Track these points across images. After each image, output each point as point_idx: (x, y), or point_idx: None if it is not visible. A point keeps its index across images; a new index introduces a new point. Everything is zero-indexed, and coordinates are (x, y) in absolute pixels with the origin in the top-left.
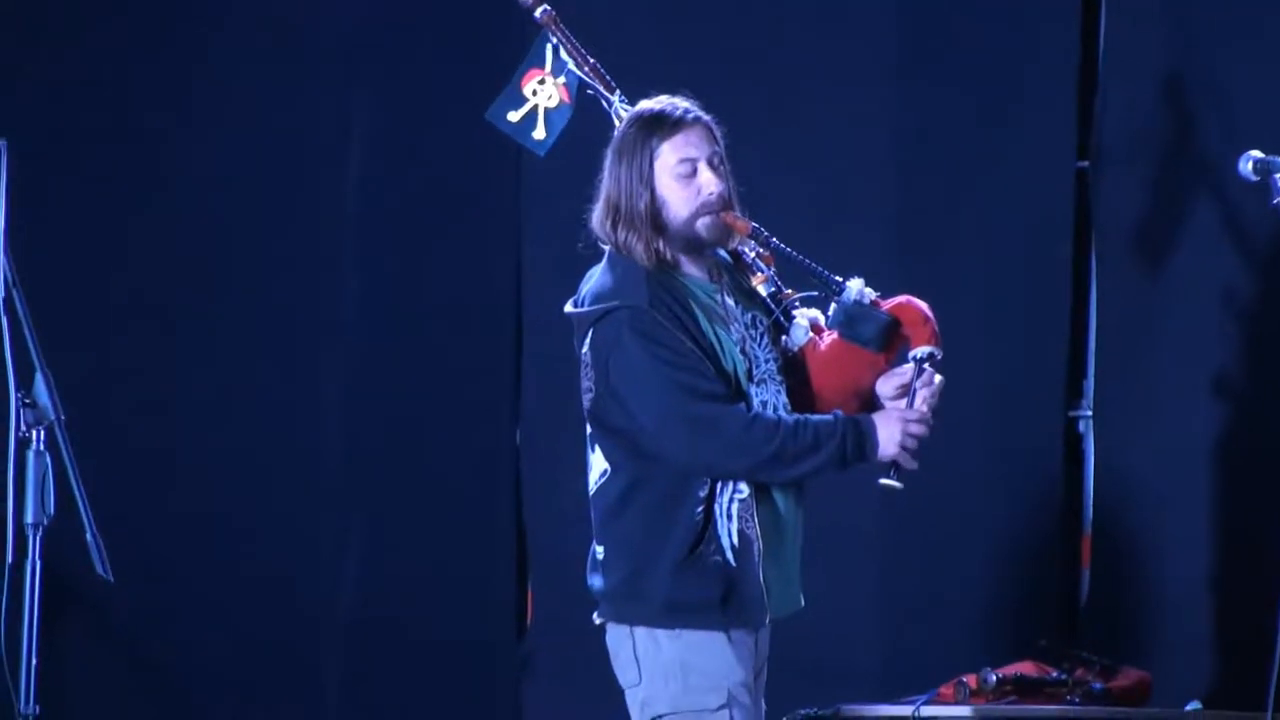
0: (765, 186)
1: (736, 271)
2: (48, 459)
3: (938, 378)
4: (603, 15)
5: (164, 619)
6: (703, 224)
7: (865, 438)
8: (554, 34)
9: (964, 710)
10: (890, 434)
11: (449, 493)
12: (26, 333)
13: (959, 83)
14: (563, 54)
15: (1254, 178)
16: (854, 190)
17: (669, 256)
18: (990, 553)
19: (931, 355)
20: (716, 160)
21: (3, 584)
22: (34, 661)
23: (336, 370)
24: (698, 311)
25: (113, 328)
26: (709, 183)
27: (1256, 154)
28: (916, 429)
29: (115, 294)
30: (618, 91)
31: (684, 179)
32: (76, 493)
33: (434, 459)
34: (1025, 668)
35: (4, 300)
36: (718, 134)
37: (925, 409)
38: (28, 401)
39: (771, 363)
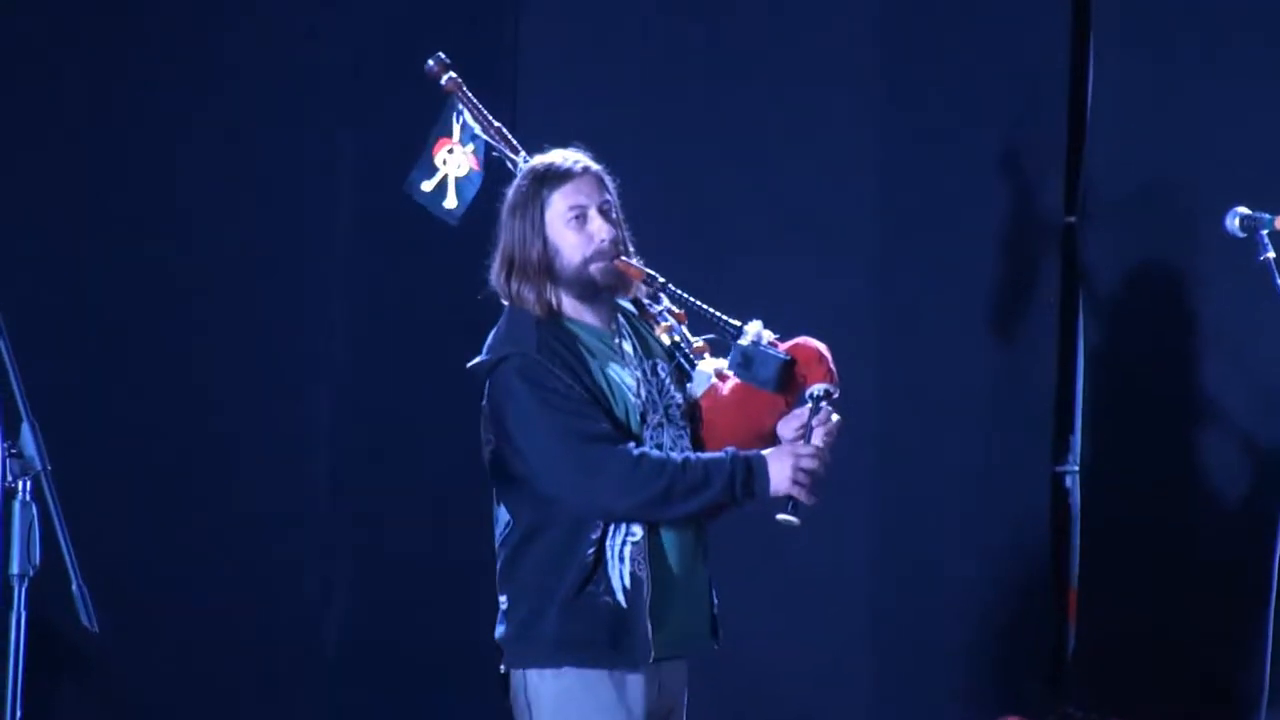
0: (751, 242)
1: (639, 320)
2: (34, 509)
3: (835, 416)
4: (589, 27)
5: (150, 669)
6: (596, 269)
7: (755, 474)
8: (460, 100)
9: None
10: (781, 470)
11: (443, 508)
12: (13, 382)
13: (948, 136)
14: (468, 119)
15: (1240, 234)
16: (836, 240)
17: (561, 304)
18: (977, 607)
19: (827, 393)
20: (607, 207)
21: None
22: (19, 714)
23: (328, 400)
24: (587, 356)
25: (98, 377)
26: (600, 229)
27: (1243, 210)
28: (809, 464)
29: (102, 342)
30: (522, 153)
31: (575, 226)
32: (62, 543)
33: (426, 480)
34: None
35: None
36: (609, 184)
37: (820, 444)
38: (14, 452)
39: (674, 408)
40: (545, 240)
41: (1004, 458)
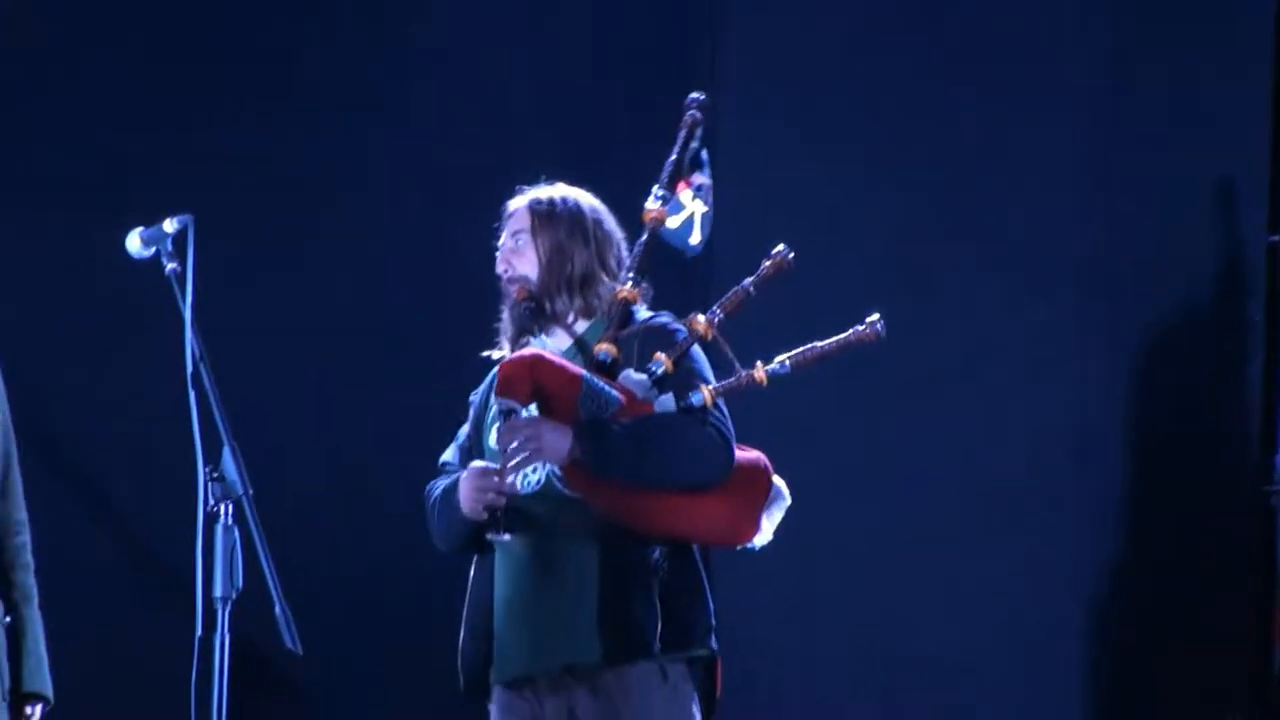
0: (954, 262)
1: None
2: (236, 533)
3: (507, 430)
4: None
5: (348, 687)
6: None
7: (452, 495)
8: (697, 139)
9: None
10: (465, 493)
11: None
12: (214, 407)
13: (1152, 156)
14: (704, 156)
15: None
16: (1039, 262)
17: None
18: (1178, 629)
19: (500, 409)
20: (513, 241)
21: (194, 656)
22: None
23: None
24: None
25: (295, 400)
26: (499, 261)
27: None
28: (482, 483)
29: (297, 366)
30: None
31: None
32: (264, 566)
33: None
34: None
35: (192, 375)
36: (533, 215)
37: (505, 463)
38: (215, 476)
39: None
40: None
41: (1208, 478)
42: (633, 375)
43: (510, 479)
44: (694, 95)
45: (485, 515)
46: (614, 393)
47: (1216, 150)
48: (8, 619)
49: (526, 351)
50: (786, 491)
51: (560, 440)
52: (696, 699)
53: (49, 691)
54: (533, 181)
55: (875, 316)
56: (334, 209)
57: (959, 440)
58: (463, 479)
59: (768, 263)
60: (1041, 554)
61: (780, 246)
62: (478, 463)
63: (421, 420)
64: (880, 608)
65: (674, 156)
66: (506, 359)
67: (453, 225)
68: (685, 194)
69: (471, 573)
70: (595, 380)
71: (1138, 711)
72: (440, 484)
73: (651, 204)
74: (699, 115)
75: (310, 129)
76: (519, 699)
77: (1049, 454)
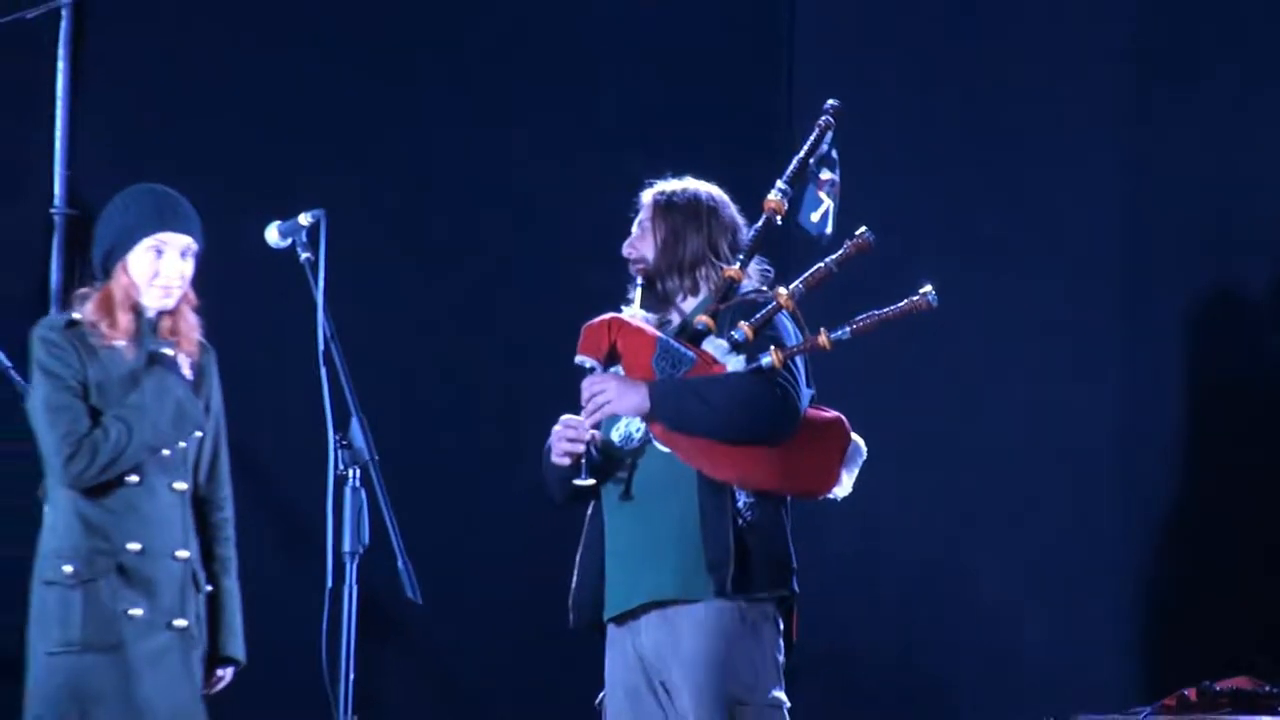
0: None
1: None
2: (363, 495)
3: (585, 384)
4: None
5: (464, 635)
6: None
7: (549, 450)
8: (827, 141)
9: (1186, 717)
10: (553, 442)
11: None
12: (343, 382)
13: (1201, 146)
14: (834, 154)
15: None
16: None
17: None
18: (1206, 580)
19: (580, 366)
20: (638, 227)
21: (324, 605)
22: (351, 676)
23: None
24: None
25: (415, 373)
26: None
27: None
28: (565, 432)
29: (417, 342)
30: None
31: None
32: (389, 524)
33: None
34: (1241, 682)
35: (323, 353)
36: (655, 205)
37: (585, 415)
38: (344, 443)
39: None
40: None
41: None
42: (714, 340)
43: (589, 427)
44: (830, 102)
45: (568, 461)
46: (688, 352)
47: (1266, 145)
48: (209, 588)
49: (607, 315)
50: (864, 448)
51: (633, 394)
52: (778, 639)
53: (242, 656)
54: (649, 177)
55: (927, 288)
56: (451, 201)
57: (1010, 412)
58: (553, 431)
59: (850, 243)
60: (1088, 514)
61: (862, 229)
62: (567, 416)
63: (532, 389)
64: (937, 562)
65: (801, 154)
66: (589, 323)
67: (565, 215)
68: (823, 189)
69: (586, 523)
70: (671, 341)
71: (1169, 654)
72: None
73: (773, 195)
74: (832, 120)
75: (424, 125)
76: (621, 633)
77: (1094, 431)
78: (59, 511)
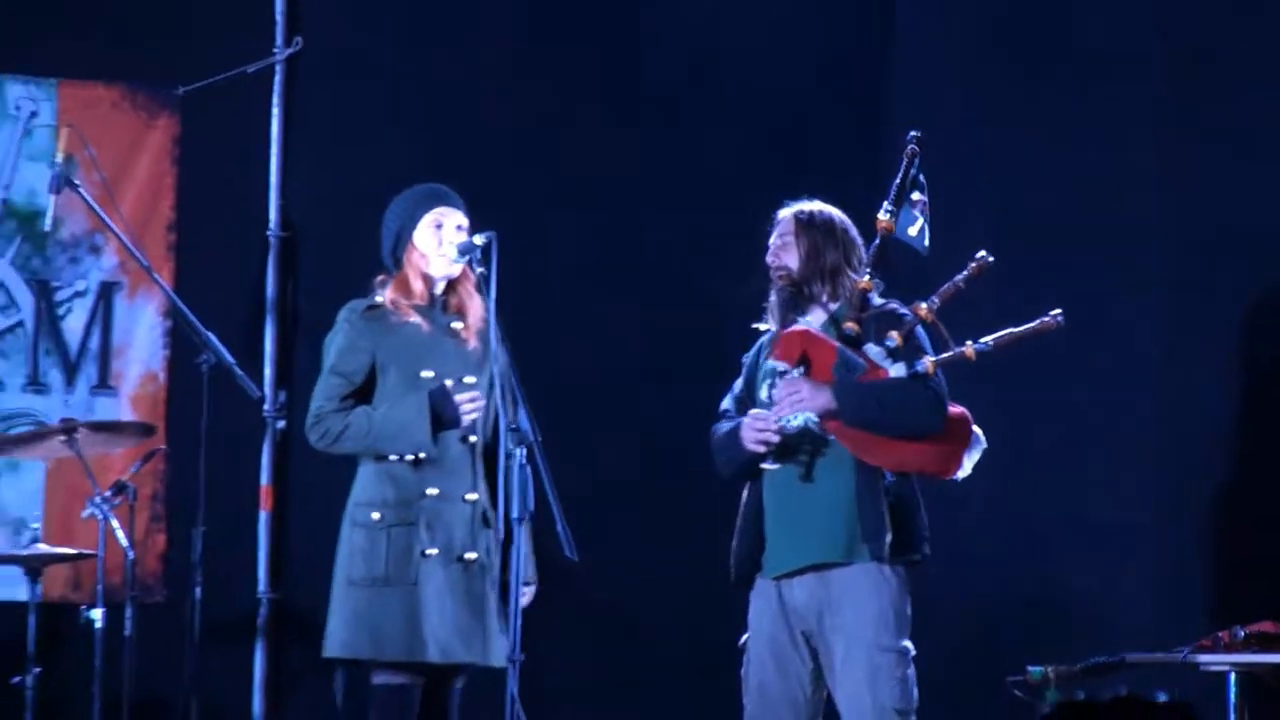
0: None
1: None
2: (528, 470)
3: (783, 385)
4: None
5: (617, 589)
6: None
7: (735, 437)
8: (916, 166)
9: (1219, 657)
10: (744, 433)
11: None
12: (512, 375)
13: (1245, 151)
14: (923, 179)
15: None
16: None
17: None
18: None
19: (773, 369)
20: (780, 240)
21: (504, 561)
22: (519, 620)
23: None
24: (761, 359)
25: (576, 364)
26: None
27: None
28: (761, 423)
29: (571, 339)
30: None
31: None
32: (549, 494)
33: None
34: (1266, 626)
35: (494, 352)
36: (797, 221)
37: (777, 411)
38: (513, 427)
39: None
40: None
41: None
42: (873, 347)
43: (780, 421)
44: (913, 133)
45: (763, 449)
46: (860, 360)
47: None
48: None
49: (798, 327)
50: (983, 438)
51: (820, 394)
52: (909, 596)
53: (535, 577)
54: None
55: (1057, 311)
56: (614, 216)
57: (1067, 402)
58: (745, 422)
59: (973, 264)
60: (1134, 489)
61: (982, 252)
62: (755, 410)
63: (691, 377)
64: (1007, 529)
65: (898, 180)
66: (784, 332)
67: (720, 229)
68: (915, 209)
69: (744, 494)
70: (847, 350)
71: (1203, 602)
72: (724, 427)
73: (882, 216)
74: (916, 149)
75: (587, 160)
76: (771, 589)
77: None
78: (368, 466)
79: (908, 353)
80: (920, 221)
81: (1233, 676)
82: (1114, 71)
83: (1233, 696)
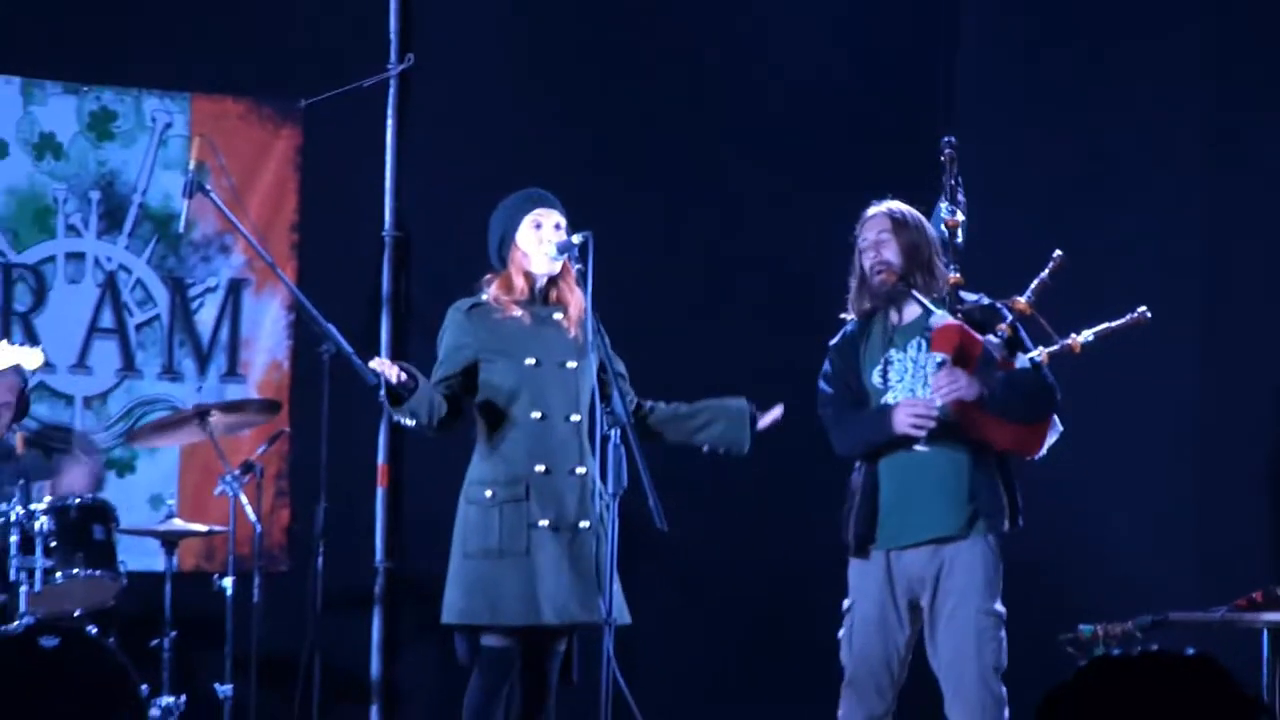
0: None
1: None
2: (622, 450)
3: (943, 375)
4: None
5: (707, 554)
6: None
7: (885, 418)
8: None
9: (1254, 615)
10: (900, 416)
11: None
12: (608, 362)
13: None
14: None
15: None
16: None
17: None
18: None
19: (935, 360)
20: (877, 237)
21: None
22: (612, 584)
23: None
24: (861, 347)
25: (668, 351)
26: (867, 252)
27: None
28: (919, 408)
29: (662, 329)
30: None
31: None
32: (641, 471)
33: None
34: None
35: (591, 343)
36: (891, 220)
37: (935, 398)
38: (608, 411)
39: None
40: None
41: None
42: (991, 339)
43: (937, 406)
44: (946, 138)
45: (923, 433)
46: (995, 354)
47: None
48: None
49: (952, 321)
50: (1060, 424)
51: (975, 384)
52: (1001, 563)
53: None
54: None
55: (1143, 308)
56: (698, 226)
57: (1120, 395)
58: (899, 407)
59: (1053, 261)
60: (1177, 472)
61: (1058, 252)
62: (909, 398)
63: (778, 363)
64: (1066, 503)
65: (949, 181)
66: (941, 326)
67: (793, 230)
68: (945, 208)
69: (861, 471)
70: (989, 343)
71: (1241, 561)
72: (845, 409)
73: (947, 215)
74: (952, 152)
75: (675, 167)
76: (882, 557)
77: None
78: (482, 446)
79: (1012, 343)
80: (960, 219)
81: (1265, 634)
82: (1159, 93)
83: (1266, 652)
